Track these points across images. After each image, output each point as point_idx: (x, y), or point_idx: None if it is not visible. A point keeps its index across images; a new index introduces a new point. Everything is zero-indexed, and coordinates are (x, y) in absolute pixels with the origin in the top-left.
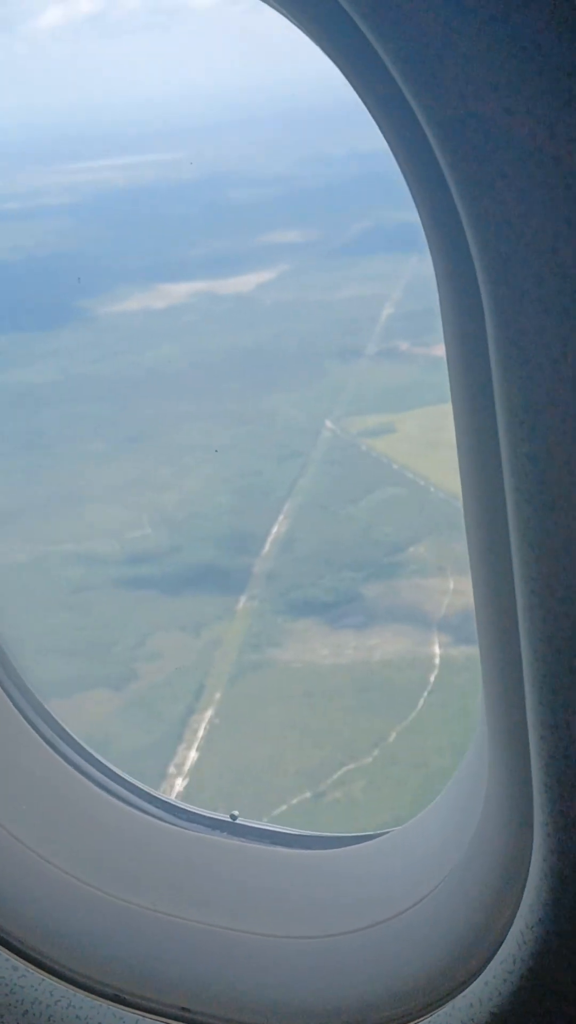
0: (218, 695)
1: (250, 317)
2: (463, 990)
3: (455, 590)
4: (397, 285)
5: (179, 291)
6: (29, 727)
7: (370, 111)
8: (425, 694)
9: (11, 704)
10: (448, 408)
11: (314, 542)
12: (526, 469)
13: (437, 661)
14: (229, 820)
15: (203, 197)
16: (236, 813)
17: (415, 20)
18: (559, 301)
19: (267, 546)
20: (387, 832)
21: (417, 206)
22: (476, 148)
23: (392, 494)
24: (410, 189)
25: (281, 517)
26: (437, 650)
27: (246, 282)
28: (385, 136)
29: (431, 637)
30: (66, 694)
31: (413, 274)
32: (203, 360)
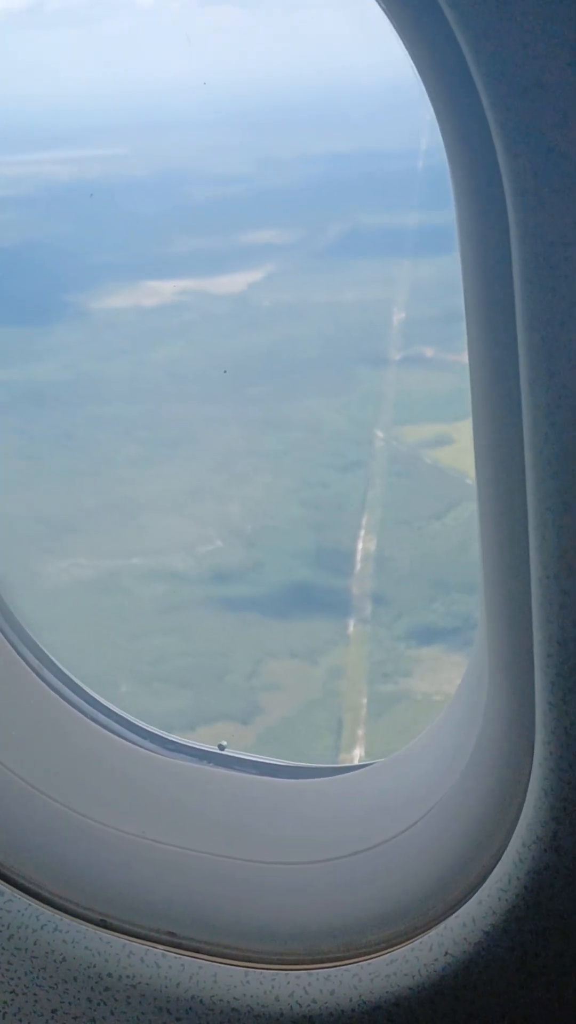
0: (361, 731)
1: (253, 318)
2: (457, 909)
3: None
4: (399, 289)
5: (166, 288)
6: (17, 656)
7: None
8: None
9: None
10: None
11: (408, 561)
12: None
13: None
14: (217, 751)
15: (162, 194)
16: (224, 743)
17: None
18: None
19: (358, 564)
20: (379, 761)
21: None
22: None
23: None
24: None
25: (363, 532)
26: None
27: (235, 281)
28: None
29: None
30: (188, 727)
31: (412, 279)
32: (217, 362)
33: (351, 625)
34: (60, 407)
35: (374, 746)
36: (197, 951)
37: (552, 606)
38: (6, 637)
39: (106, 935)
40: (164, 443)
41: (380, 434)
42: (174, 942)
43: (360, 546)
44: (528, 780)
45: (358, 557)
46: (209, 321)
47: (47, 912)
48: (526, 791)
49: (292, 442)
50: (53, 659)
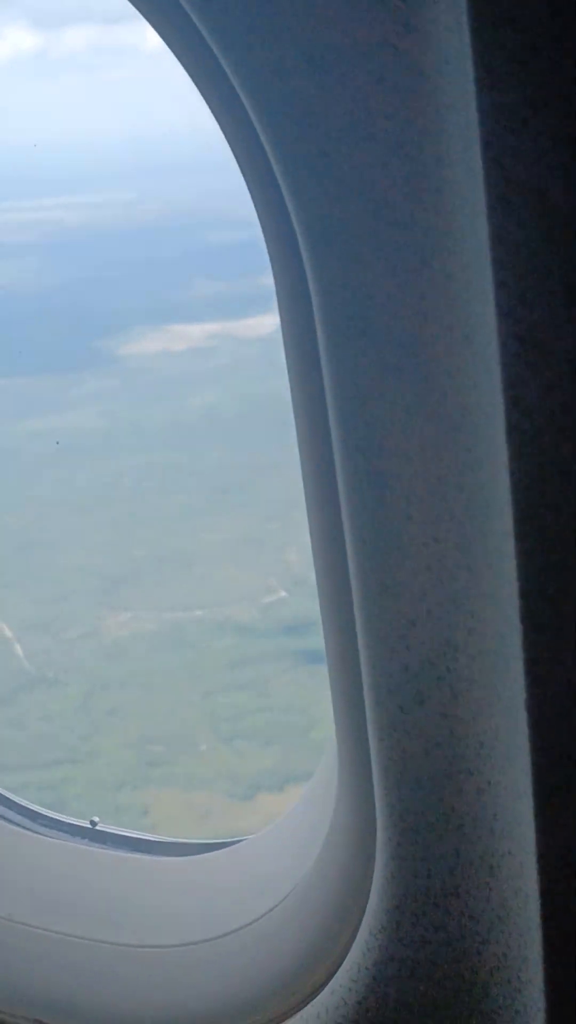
0: None
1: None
2: (312, 999)
3: None
4: None
5: (195, 332)
6: None
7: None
8: None
9: None
10: None
11: None
12: (356, 462)
13: None
14: (89, 827)
15: (175, 238)
16: (96, 819)
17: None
18: (381, 285)
19: None
20: (243, 839)
21: (252, 194)
22: (297, 130)
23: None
24: (244, 178)
25: None
26: None
27: (263, 324)
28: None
29: None
30: (276, 787)
31: None
32: (257, 406)
33: None
34: (102, 456)
35: None
36: None
37: (379, 691)
38: None
39: None
40: (212, 491)
41: None
42: None
43: None
44: (374, 867)
45: None
46: (243, 364)
47: None
48: (372, 878)
49: None
50: None
